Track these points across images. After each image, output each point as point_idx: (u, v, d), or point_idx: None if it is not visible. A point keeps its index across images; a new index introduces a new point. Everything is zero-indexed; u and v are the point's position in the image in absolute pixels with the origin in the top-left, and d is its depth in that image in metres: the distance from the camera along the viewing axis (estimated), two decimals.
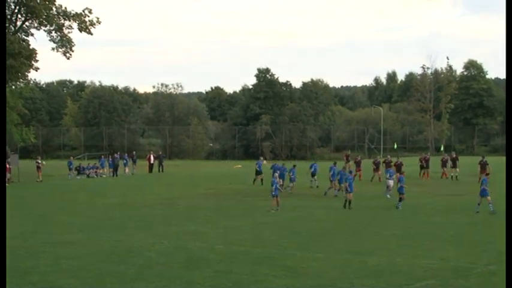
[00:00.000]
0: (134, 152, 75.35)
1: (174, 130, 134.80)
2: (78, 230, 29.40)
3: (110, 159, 69.83)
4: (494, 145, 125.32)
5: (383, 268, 20.69)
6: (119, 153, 73.15)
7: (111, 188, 52.16)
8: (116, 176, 65.92)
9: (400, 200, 35.68)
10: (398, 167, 49.64)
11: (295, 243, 25.41)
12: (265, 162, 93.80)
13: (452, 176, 53.26)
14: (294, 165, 47.95)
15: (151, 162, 71.74)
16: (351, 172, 39.45)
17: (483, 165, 49.31)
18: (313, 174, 49.82)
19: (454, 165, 53.71)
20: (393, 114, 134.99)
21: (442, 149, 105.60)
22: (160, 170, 71.62)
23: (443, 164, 55.23)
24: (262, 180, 51.89)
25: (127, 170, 68.09)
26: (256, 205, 38.92)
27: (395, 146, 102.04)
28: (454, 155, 55.39)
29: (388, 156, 54.41)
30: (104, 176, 66.78)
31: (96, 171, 67.15)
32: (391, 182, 40.91)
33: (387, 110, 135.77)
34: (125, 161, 69.25)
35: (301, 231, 28.45)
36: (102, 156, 73.10)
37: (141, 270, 20.57)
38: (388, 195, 40.77)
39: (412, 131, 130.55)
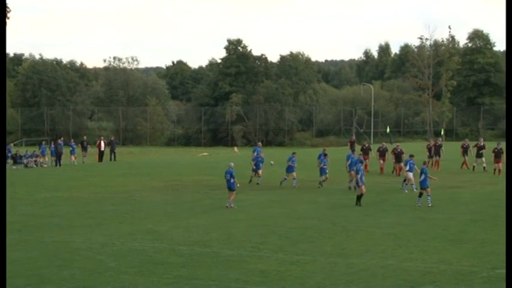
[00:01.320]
0: (85, 137, 74.86)
1: (129, 112, 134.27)
2: (15, 229, 29.19)
3: (53, 145, 69.30)
4: (503, 128, 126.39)
5: (374, 272, 20.78)
6: (62, 138, 72.63)
7: (54, 179, 51.84)
8: (60, 165, 65.45)
9: (420, 195, 35.09)
10: (398, 156, 49.57)
11: (272, 244, 25.44)
12: (236, 150, 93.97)
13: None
14: (294, 153, 47.38)
15: (102, 149, 71.32)
16: (361, 162, 39.38)
17: (497, 154, 49.20)
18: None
19: (437, 154, 53.21)
20: (386, 93, 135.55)
21: (442, 133, 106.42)
22: (113, 158, 71.24)
23: (430, 151, 54.86)
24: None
25: (73, 159, 67.64)
26: (226, 200, 38.85)
27: (388, 130, 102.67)
28: (439, 142, 54.94)
29: (397, 145, 53.25)
30: (45, 165, 66.29)
31: (35, 160, 66.64)
32: (411, 175, 40.33)
33: (379, 88, 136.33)
34: (71, 148, 68.79)
35: (279, 231, 28.48)
36: (43, 143, 72.44)
37: (88, 275, 20.47)
38: (406, 190, 40.50)
39: (407, 113, 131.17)
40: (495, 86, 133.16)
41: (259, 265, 21.89)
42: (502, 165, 48.67)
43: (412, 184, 40.66)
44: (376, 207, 34.94)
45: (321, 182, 44.66)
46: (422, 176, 34.98)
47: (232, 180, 35.59)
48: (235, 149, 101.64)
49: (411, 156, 41.07)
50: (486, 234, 26.94)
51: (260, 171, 47.11)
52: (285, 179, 45.72)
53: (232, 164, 36.37)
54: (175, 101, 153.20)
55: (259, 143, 57.30)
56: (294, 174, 45.39)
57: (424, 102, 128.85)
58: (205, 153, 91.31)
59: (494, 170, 49.26)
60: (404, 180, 41.35)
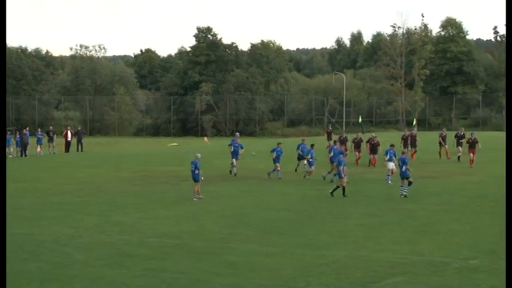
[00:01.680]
0: (51, 127, 74.46)
1: (96, 101, 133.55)
2: None
3: (18, 135, 68.91)
4: (475, 118, 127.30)
5: (345, 263, 20.94)
6: (28, 128, 72.18)
7: (20, 170, 51.54)
8: (25, 156, 65.16)
9: (410, 184, 35.11)
10: (374, 147, 49.57)
11: (243, 236, 25.53)
12: (206, 140, 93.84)
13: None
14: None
15: (69, 139, 71.02)
16: (342, 153, 39.19)
17: (472, 144, 49.13)
18: (299, 158, 47.70)
19: (413, 144, 52.93)
20: (358, 82, 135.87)
21: (414, 123, 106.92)
22: (80, 148, 70.95)
23: (405, 141, 54.22)
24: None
25: (39, 149, 67.31)
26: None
27: (360, 120, 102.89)
28: (414, 132, 54.68)
29: (373, 135, 53.04)
30: (10, 156, 65.91)
31: None
32: (391, 165, 40.37)
33: (351, 77, 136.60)
34: (38, 139, 68.45)
35: (250, 222, 28.58)
36: (8, 133, 71.97)
37: (55, 269, 20.43)
38: (390, 181, 40.39)
39: (379, 102, 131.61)
40: (468, 75, 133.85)
41: (230, 257, 21.97)
42: (475, 157, 48.80)
43: (387, 175, 40.74)
44: (348, 198, 35.11)
45: (307, 173, 44.20)
46: (404, 167, 35.13)
47: (197, 172, 35.41)
48: (205, 139, 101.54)
49: (392, 145, 41.31)
50: (458, 225, 27.19)
51: (235, 161, 46.69)
52: (278, 170, 44.96)
53: (198, 155, 36.15)
54: (143, 90, 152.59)
55: (237, 133, 55.90)
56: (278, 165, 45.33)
57: (396, 92, 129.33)
58: (175, 144, 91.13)
59: (471, 161, 48.88)
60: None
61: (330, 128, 67.92)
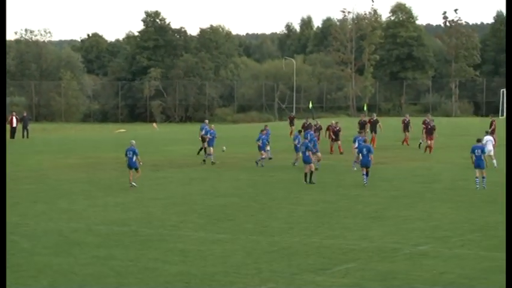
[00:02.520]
0: None
1: (42, 86, 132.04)
2: None
3: None
4: (425, 103, 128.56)
5: (296, 250, 21.01)
6: None
7: None
8: None
9: (367, 174, 34.81)
10: (336, 134, 49.08)
11: (192, 223, 25.49)
12: (155, 126, 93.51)
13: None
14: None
15: (14, 125, 70.24)
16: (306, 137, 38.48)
17: (430, 130, 48.79)
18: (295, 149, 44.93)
19: (373, 130, 52.86)
20: (308, 68, 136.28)
21: (365, 108, 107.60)
22: (25, 135, 70.20)
23: (362, 126, 53.90)
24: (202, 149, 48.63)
25: None
26: (145, 176, 38.67)
27: (311, 105, 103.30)
28: (374, 118, 54.53)
29: (333, 122, 52.26)
30: None
31: None
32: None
33: (301, 63, 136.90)
34: None
35: (199, 209, 28.54)
36: None
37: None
38: (355, 168, 39.98)
39: (330, 88, 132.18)
40: (417, 60, 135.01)
41: (179, 244, 21.91)
42: (433, 143, 48.60)
43: (354, 161, 40.21)
44: (300, 185, 35.20)
45: (295, 161, 42.67)
46: (367, 153, 34.58)
47: (134, 159, 34.95)
48: (154, 125, 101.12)
49: (360, 132, 41.30)
50: (408, 211, 27.43)
51: (212, 149, 45.02)
52: (270, 158, 44.23)
53: (133, 141, 35.69)
54: (90, 75, 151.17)
55: (207, 120, 54.05)
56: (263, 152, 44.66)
57: (346, 77, 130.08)
58: (123, 130, 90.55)
59: (426, 147, 48.74)
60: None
61: (293, 114, 67.45)
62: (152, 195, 32.51)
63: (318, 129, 52.15)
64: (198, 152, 48.04)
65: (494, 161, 40.39)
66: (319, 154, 40.86)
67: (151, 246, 21.74)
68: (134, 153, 34.95)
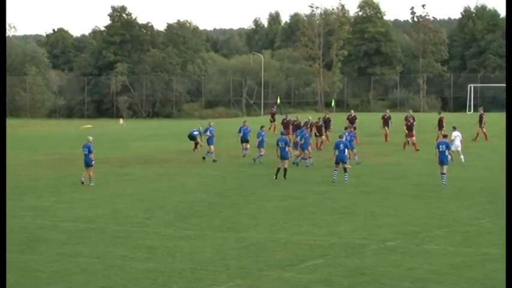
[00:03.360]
0: None
1: (7, 81, 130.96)
2: None
3: None
4: (393, 99, 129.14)
5: (264, 246, 21.06)
6: None
7: None
8: None
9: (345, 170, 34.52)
10: (320, 129, 48.57)
11: (160, 219, 25.46)
12: (122, 122, 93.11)
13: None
14: (244, 121, 45.59)
15: None
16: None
17: (410, 126, 48.09)
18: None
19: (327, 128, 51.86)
20: (276, 63, 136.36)
21: (333, 104, 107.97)
22: None
23: (351, 122, 53.05)
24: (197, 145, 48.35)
25: None
26: (112, 173, 38.59)
27: (279, 101, 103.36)
28: (327, 117, 53.18)
29: (315, 118, 51.42)
30: None
31: None
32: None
33: (269, 58, 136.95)
34: None
35: (167, 205, 28.49)
36: None
37: None
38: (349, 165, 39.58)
39: (298, 83, 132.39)
40: (385, 55, 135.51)
41: (147, 241, 21.88)
42: (415, 139, 48.05)
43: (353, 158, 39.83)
44: (267, 181, 35.26)
45: (297, 159, 41.25)
46: (343, 149, 34.43)
47: (90, 156, 34.59)
48: (121, 121, 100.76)
49: (346, 128, 41.30)
50: (376, 207, 27.57)
51: (212, 147, 44.06)
52: (261, 155, 42.86)
53: (90, 138, 35.31)
54: (56, 71, 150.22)
55: (212, 122, 51.72)
56: (245, 144, 44.78)
57: (314, 73, 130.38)
58: (89, 126, 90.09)
59: (405, 143, 48.25)
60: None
61: (274, 110, 66.52)
62: (119, 191, 32.42)
63: (311, 125, 50.90)
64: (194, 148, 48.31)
65: (462, 156, 40.75)
66: (307, 151, 40.73)
67: (119, 243, 21.68)
68: (89, 150, 34.42)
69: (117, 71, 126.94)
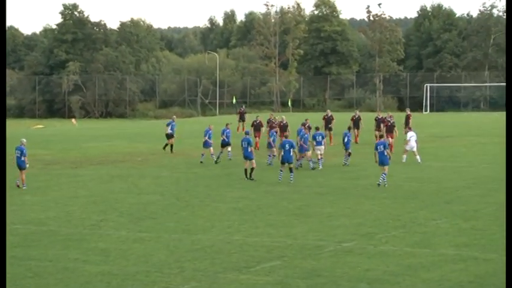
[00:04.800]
0: None
1: None
2: None
3: None
4: (350, 99, 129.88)
5: (219, 248, 21.06)
6: None
7: None
8: None
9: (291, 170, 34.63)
10: (284, 127, 47.80)
11: (113, 222, 25.33)
12: (74, 122, 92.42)
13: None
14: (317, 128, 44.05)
15: None
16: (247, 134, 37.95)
17: (390, 127, 47.08)
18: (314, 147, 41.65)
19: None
20: (231, 62, 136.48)
21: (289, 104, 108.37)
22: None
23: (282, 129, 51.69)
24: (172, 146, 47.53)
25: None
26: (64, 174, 38.30)
27: (234, 100, 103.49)
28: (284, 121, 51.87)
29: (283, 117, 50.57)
30: None
31: None
32: (322, 148, 39.44)
33: (224, 57, 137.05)
34: None
35: (120, 207, 28.35)
36: None
37: None
38: (321, 166, 39.36)
39: (254, 83, 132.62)
40: (342, 55, 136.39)
41: (100, 244, 21.77)
42: (393, 141, 47.38)
43: (319, 159, 39.97)
44: (222, 181, 35.26)
45: (312, 163, 39.82)
46: (289, 149, 34.45)
47: (22, 158, 33.84)
48: (73, 121, 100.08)
49: (317, 128, 41.25)
50: (332, 208, 27.69)
51: (211, 149, 43.03)
52: (216, 162, 42.34)
53: (24, 140, 34.84)
54: (6, 70, 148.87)
55: (212, 125, 49.95)
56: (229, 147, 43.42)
57: (270, 72, 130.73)
58: (40, 126, 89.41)
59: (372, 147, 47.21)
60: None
61: (243, 109, 64.69)
62: (71, 193, 32.18)
63: (259, 125, 50.05)
64: (164, 147, 47.49)
65: (418, 157, 41.07)
66: (308, 153, 39.91)
67: (71, 245, 21.54)
68: (22, 152, 33.95)
69: (69, 70, 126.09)
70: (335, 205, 28.36)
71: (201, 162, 42.24)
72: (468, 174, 36.94)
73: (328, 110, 56.10)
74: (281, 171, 34.62)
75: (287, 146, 34.47)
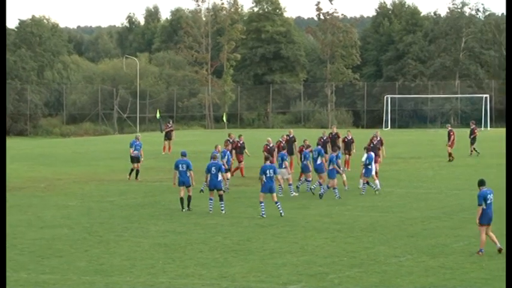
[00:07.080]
0: None
1: None
2: None
3: None
4: (296, 113, 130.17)
5: None
6: None
7: None
8: None
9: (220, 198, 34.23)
10: (241, 149, 47.14)
11: (12, 262, 25.06)
12: None
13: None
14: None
15: None
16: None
17: (348, 144, 48.71)
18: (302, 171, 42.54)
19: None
20: (155, 69, 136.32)
21: (225, 119, 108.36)
22: None
23: (239, 150, 50.82)
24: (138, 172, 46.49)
25: None
26: None
27: (159, 115, 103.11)
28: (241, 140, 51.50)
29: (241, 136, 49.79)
30: None
31: None
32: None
33: (146, 62, 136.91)
34: None
35: (20, 244, 28.09)
36: None
37: None
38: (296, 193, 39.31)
39: (181, 93, 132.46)
40: (286, 60, 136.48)
41: None
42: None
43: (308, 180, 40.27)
44: (144, 212, 35.11)
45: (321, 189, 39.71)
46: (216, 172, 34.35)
47: None
48: None
49: (367, 150, 40.77)
50: (276, 243, 27.73)
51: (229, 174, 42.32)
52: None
53: None
54: None
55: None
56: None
57: (202, 80, 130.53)
58: None
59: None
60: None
61: (170, 125, 62.91)
62: None
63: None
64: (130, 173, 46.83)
65: (377, 181, 40.98)
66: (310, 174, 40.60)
67: None
68: None
69: None
70: (280, 239, 28.41)
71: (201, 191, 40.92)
72: (436, 203, 37.32)
73: (349, 132, 53.10)
74: (210, 199, 34.52)
75: (213, 169, 34.15)
